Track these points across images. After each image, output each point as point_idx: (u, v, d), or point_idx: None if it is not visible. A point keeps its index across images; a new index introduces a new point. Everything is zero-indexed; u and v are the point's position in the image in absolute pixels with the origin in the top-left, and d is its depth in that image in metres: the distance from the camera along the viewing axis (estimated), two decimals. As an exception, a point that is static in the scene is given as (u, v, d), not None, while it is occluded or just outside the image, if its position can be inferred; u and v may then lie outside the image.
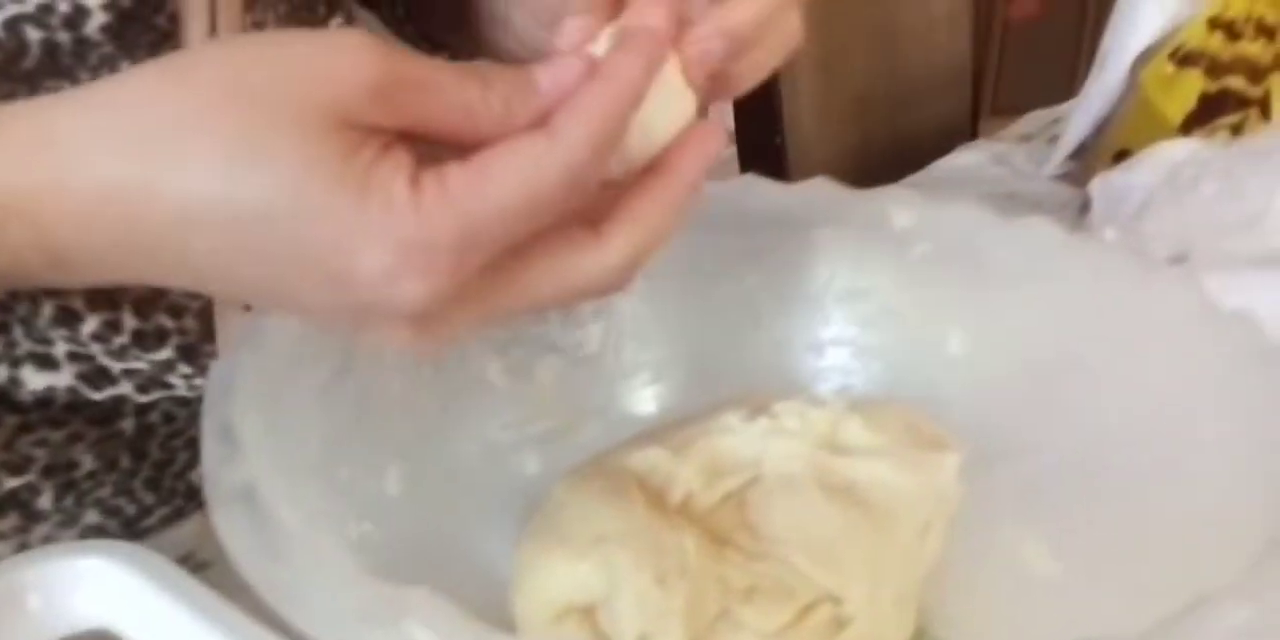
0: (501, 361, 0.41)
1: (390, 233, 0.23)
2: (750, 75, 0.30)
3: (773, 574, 0.33)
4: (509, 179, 0.23)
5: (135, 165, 0.23)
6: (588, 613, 0.32)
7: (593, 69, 0.25)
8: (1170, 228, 0.57)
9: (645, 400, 0.44)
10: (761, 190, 0.43)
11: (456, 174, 0.23)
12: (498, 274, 0.25)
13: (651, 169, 0.26)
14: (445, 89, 0.24)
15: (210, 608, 0.35)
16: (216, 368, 0.28)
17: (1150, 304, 0.35)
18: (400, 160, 0.23)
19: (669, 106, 0.26)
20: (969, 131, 1.35)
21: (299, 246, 0.23)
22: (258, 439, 0.25)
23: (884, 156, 1.09)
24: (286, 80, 0.23)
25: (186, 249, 0.24)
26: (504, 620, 0.33)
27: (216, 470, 0.24)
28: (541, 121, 0.24)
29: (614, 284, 0.27)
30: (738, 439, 0.36)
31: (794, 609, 0.32)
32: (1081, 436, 0.37)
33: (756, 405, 0.38)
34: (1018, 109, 1.11)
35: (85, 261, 0.26)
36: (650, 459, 0.35)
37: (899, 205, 0.42)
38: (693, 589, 0.31)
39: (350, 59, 0.23)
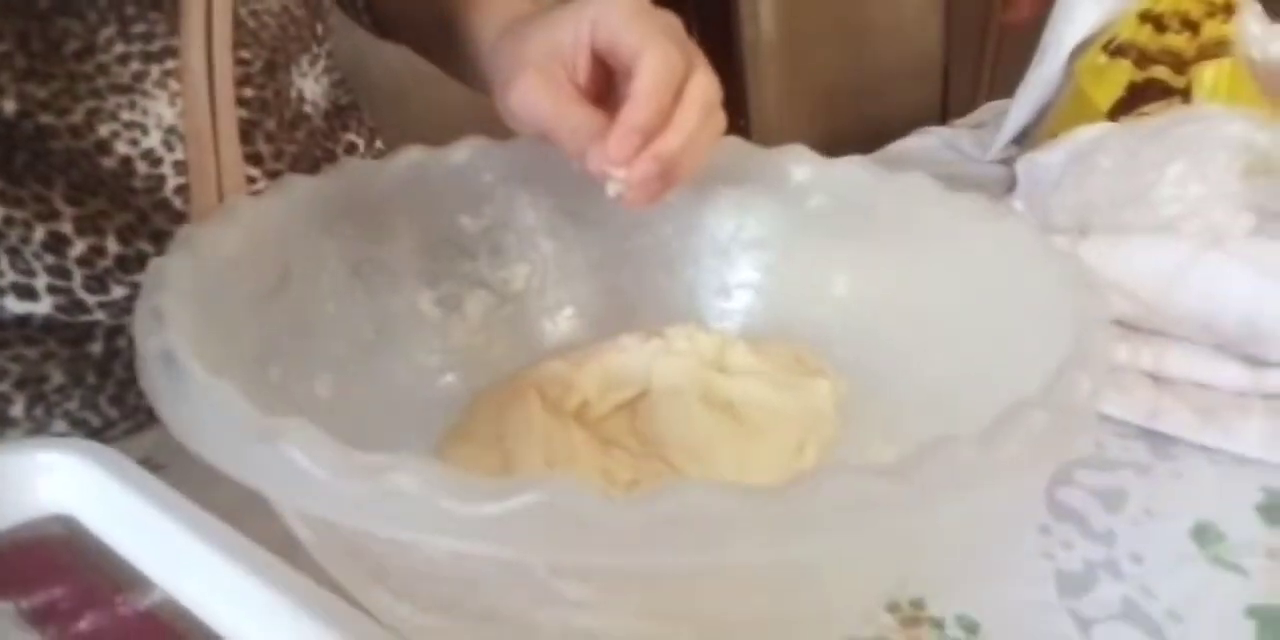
0: (433, 293, 0.46)
1: None
2: (688, 172, 0.39)
3: (653, 469, 0.37)
4: None
5: None
6: None
7: None
8: (1072, 201, 0.61)
9: (565, 335, 0.48)
10: (675, 147, 0.48)
11: None
12: None
13: None
14: None
15: (161, 495, 0.39)
16: (154, 264, 0.32)
17: (996, 243, 0.39)
18: None
19: None
20: (939, 122, 1.39)
21: None
22: (183, 318, 0.29)
23: (849, 144, 1.12)
24: None
25: None
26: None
27: (144, 341, 0.29)
28: None
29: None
30: (631, 356, 0.41)
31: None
32: (940, 368, 0.41)
33: (651, 332, 0.42)
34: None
35: None
36: (551, 370, 0.40)
37: (797, 162, 0.47)
38: (579, 474, 0.35)
39: None
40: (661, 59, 0.37)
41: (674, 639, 0.28)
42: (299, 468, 0.23)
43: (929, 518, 0.24)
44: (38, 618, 0.37)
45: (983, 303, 0.40)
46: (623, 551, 0.22)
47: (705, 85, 0.39)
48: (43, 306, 0.44)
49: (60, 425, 0.46)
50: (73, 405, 0.46)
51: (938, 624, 0.39)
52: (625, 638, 0.27)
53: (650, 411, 0.39)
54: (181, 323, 0.29)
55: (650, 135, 0.38)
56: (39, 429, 0.46)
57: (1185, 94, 0.76)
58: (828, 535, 0.22)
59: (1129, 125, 0.64)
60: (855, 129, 1.16)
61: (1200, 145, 0.56)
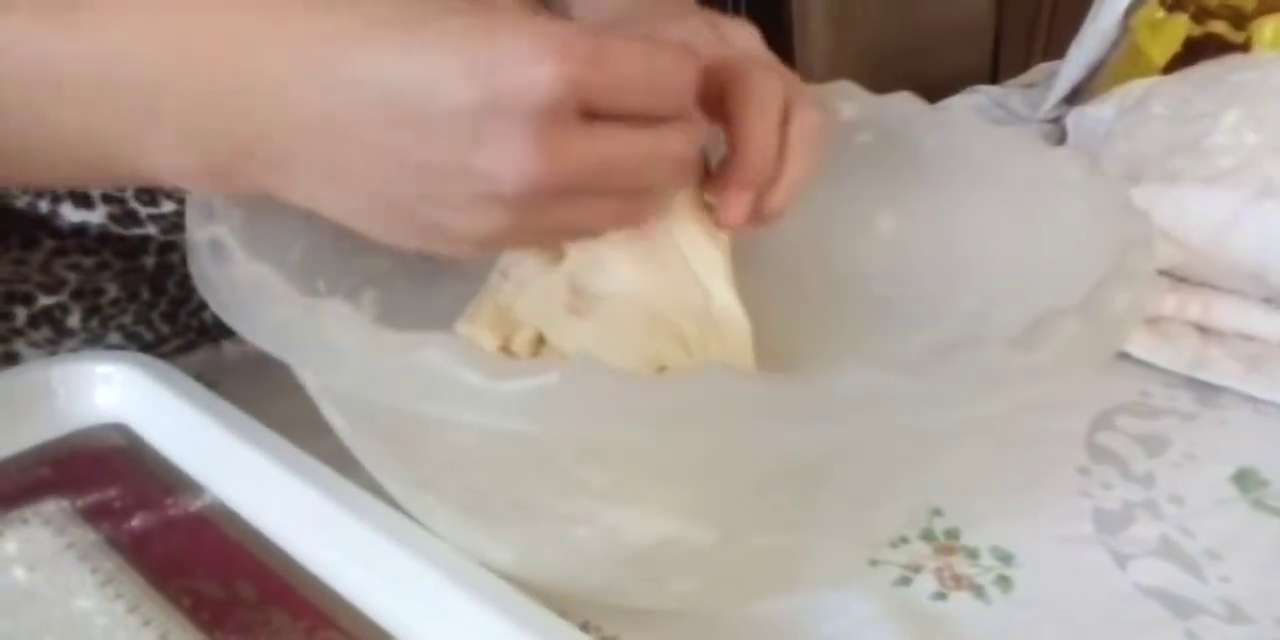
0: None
1: (529, 25, 0.23)
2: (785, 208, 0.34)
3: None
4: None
5: None
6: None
7: None
8: (1123, 151, 0.60)
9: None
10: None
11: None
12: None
13: None
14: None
15: (212, 405, 0.40)
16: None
17: (1042, 175, 0.39)
18: None
19: None
20: (989, 83, 1.36)
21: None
22: (233, 214, 0.30)
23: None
24: None
25: None
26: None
27: (194, 230, 0.30)
28: None
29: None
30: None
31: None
32: (984, 301, 0.41)
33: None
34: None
35: None
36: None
37: (845, 98, 0.46)
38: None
39: None
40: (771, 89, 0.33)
41: (697, 539, 0.28)
42: (335, 344, 0.24)
43: (950, 417, 0.24)
44: (92, 515, 0.38)
45: (1028, 235, 0.40)
46: (639, 431, 0.22)
47: (815, 124, 0.34)
48: (97, 215, 0.45)
49: (115, 338, 0.48)
50: (127, 319, 0.48)
51: (972, 553, 0.40)
52: (649, 535, 0.27)
53: None
54: (231, 218, 0.30)
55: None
56: (94, 340, 0.47)
57: (1244, 49, 0.74)
58: (843, 425, 0.23)
59: (1183, 73, 0.62)
60: (902, 88, 1.14)
61: (1257, 93, 0.55)
